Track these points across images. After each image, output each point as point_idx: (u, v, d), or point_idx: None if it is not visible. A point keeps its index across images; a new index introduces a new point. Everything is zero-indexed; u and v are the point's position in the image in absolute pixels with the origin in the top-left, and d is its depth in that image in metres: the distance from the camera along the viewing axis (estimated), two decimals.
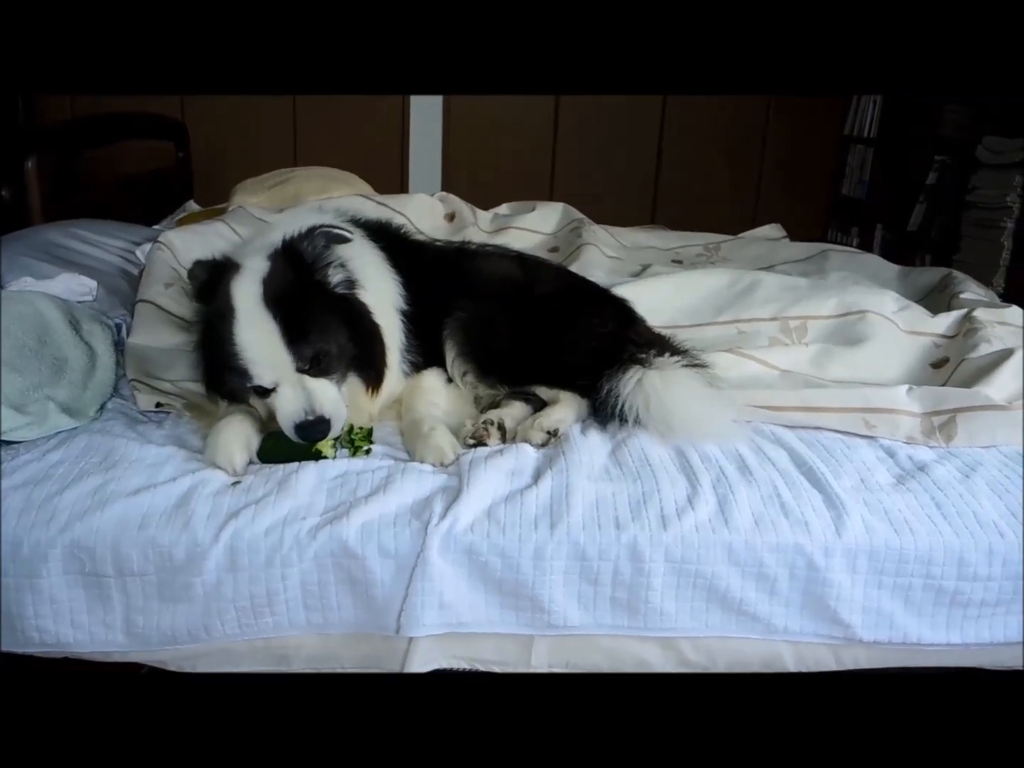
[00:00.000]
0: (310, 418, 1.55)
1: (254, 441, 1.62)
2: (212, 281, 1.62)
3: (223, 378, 1.63)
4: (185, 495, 1.48)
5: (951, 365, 2.05)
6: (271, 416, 1.62)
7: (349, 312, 1.66)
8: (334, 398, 1.60)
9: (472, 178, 4.76)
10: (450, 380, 1.84)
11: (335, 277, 1.66)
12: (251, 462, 1.60)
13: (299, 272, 1.62)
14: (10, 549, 1.42)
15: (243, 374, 1.57)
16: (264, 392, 1.58)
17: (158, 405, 1.78)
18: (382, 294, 1.77)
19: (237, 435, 1.60)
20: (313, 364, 1.58)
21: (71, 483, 1.49)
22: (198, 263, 1.67)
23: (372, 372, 1.70)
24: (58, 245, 2.30)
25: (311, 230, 1.64)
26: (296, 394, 1.56)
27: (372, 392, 1.71)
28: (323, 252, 1.64)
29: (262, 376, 1.56)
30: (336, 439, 1.62)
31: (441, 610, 1.43)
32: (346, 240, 1.67)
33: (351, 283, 1.68)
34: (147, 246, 2.38)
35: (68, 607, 1.44)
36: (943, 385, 1.98)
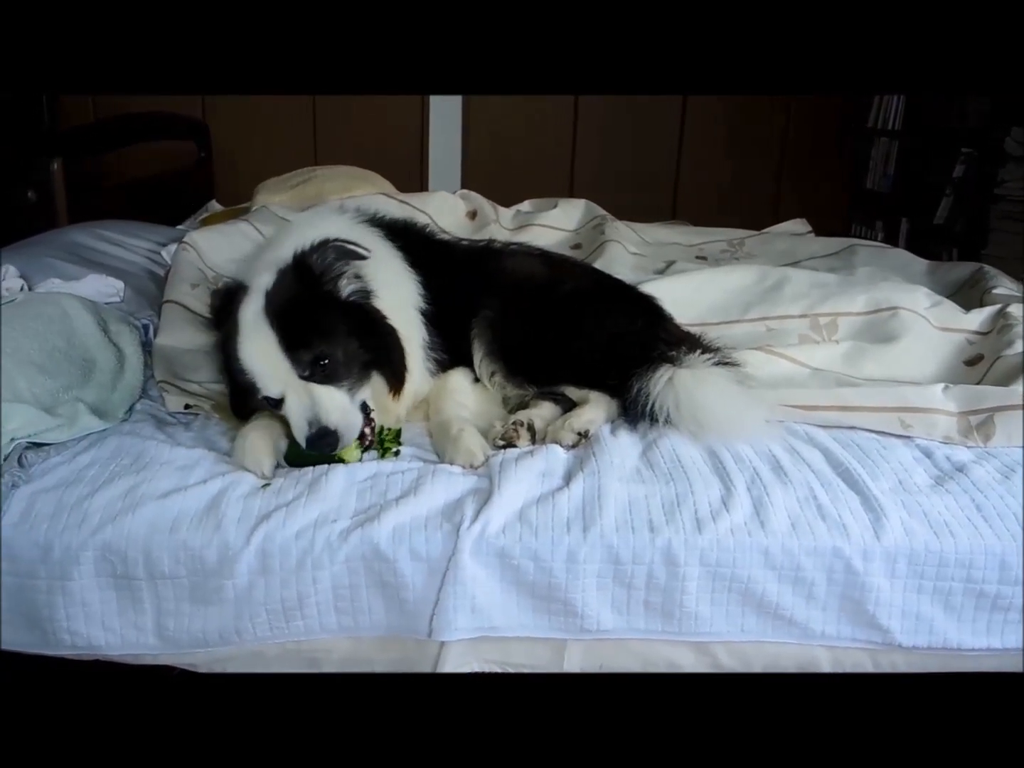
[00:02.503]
0: (314, 430, 1.52)
1: (281, 444, 1.61)
2: (224, 306, 1.64)
3: (241, 397, 1.64)
4: (215, 497, 1.48)
5: (986, 362, 2.02)
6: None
7: (360, 319, 1.64)
8: (343, 407, 1.57)
9: (492, 175, 4.74)
10: (477, 380, 1.83)
11: (347, 288, 1.64)
12: (279, 465, 1.59)
13: (306, 284, 1.61)
14: (41, 552, 1.42)
15: (252, 387, 1.57)
16: (276, 403, 1.58)
17: (187, 406, 1.77)
18: (400, 295, 1.76)
19: (264, 438, 1.60)
20: (316, 370, 1.55)
21: (102, 485, 1.49)
22: (214, 293, 1.71)
23: (391, 374, 1.69)
24: (85, 246, 2.31)
25: (323, 243, 1.63)
26: (301, 403, 1.54)
27: (394, 394, 1.70)
28: (333, 264, 1.62)
29: (268, 386, 1.56)
30: (365, 445, 1.62)
31: (473, 614, 1.42)
32: (361, 258, 1.64)
33: (365, 292, 1.67)
34: (173, 247, 2.38)
35: (99, 610, 1.44)
36: (978, 383, 1.94)
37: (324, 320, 1.59)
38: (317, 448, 1.54)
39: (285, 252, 1.65)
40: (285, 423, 1.64)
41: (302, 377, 1.55)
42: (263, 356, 1.55)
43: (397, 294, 1.75)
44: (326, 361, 1.56)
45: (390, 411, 1.72)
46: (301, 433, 1.54)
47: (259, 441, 1.58)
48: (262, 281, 1.61)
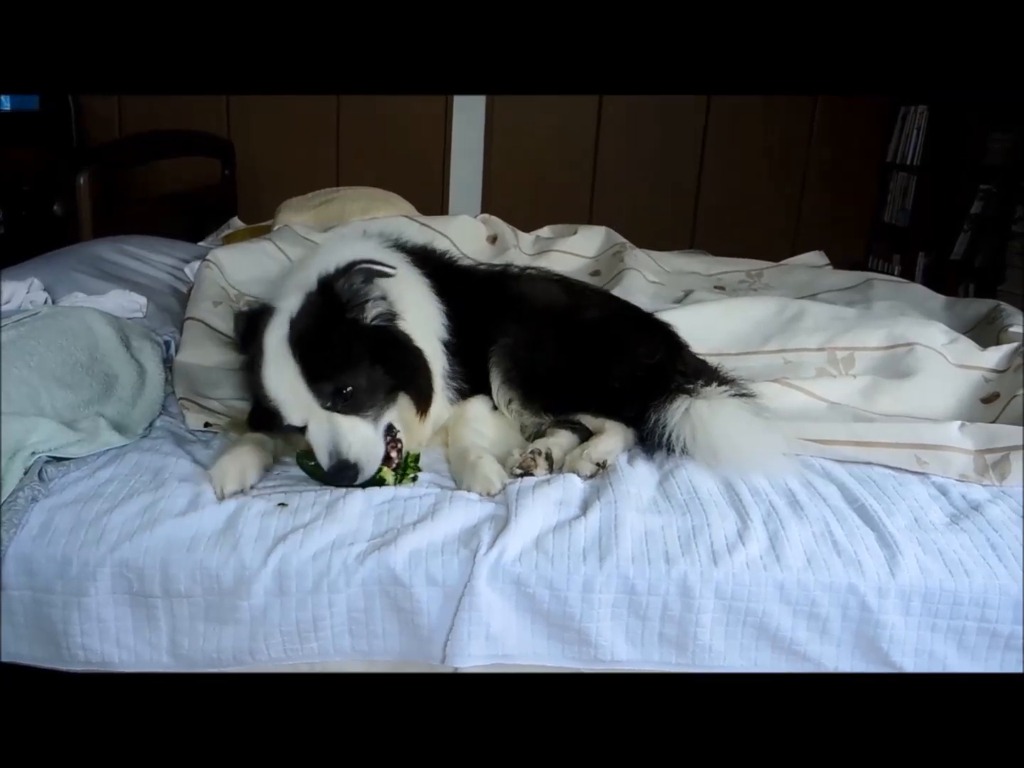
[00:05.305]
0: (335, 462, 1.53)
1: (251, 473, 1.59)
2: (250, 329, 1.65)
3: (267, 419, 1.64)
4: (232, 517, 1.48)
5: (1002, 400, 2.01)
6: None
7: (387, 344, 1.64)
8: (365, 438, 1.57)
9: (513, 183, 4.80)
10: (496, 408, 1.83)
11: (373, 311, 1.64)
12: (241, 491, 1.56)
13: (331, 311, 1.61)
14: (58, 567, 1.42)
15: (276, 415, 1.58)
16: (300, 430, 1.59)
17: (207, 424, 1.78)
18: (424, 322, 1.77)
19: (235, 464, 1.58)
20: (338, 401, 1.56)
21: (121, 502, 1.49)
22: (238, 316, 1.71)
23: (419, 395, 1.69)
24: (109, 261, 2.34)
25: (350, 266, 1.63)
26: (323, 434, 1.55)
27: (421, 414, 1.70)
28: (360, 289, 1.62)
29: (291, 415, 1.57)
30: (397, 468, 1.62)
31: (488, 641, 1.42)
32: (388, 275, 1.65)
33: (391, 315, 1.67)
34: (196, 263, 2.40)
35: (114, 626, 1.44)
36: (994, 421, 1.94)
37: (348, 350, 1.59)
38: (338, 481, 1.55)
39: (311, 275, 1.66)
40: (269, 451, 1.68)
41: (325, 408, 1.55)
42: (286, 386, 1.56)
43: (422, 320, 1.76)
44: (349, 391, 1.56)
45: (415, 432, 1.72)
46: (324, 463, 1.56)
47: (229, 466, 1.57)
48: (288, 305, 1.62)
